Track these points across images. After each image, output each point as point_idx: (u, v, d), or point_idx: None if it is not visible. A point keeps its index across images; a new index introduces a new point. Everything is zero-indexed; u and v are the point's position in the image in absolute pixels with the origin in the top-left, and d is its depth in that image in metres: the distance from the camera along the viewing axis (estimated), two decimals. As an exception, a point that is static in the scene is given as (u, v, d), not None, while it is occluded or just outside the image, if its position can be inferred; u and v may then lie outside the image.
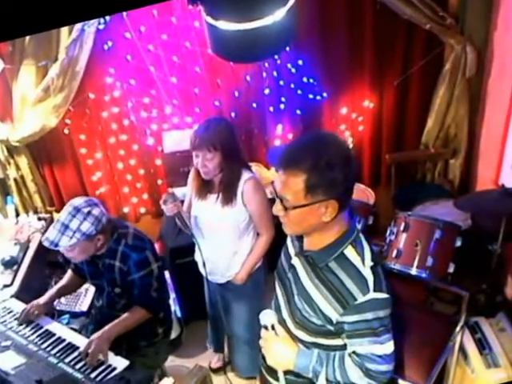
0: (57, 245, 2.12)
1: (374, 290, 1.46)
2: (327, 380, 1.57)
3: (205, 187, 2.49)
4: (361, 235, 1.56)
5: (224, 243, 2.53)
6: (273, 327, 1.66)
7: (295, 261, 1.65)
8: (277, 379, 1.73)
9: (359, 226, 1.60)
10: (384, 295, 1.48)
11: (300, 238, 1.64)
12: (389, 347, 1.53)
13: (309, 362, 1.58)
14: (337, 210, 1.44)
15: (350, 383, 1.57)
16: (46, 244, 2.14)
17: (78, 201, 2.19)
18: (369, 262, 1.50)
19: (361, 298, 1.45)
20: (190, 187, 2.61)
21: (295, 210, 1.45)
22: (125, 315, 2.33)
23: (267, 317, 1.67)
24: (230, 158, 2.35)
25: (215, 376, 3.12)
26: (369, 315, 1.46)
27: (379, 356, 1.51)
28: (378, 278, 1.49)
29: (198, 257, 2.67)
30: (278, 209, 1.50)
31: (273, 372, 1.75)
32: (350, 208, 1.54)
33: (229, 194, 2.40)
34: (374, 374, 1.53)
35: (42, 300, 2.47)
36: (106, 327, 2.26)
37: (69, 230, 2.10)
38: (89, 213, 2.15)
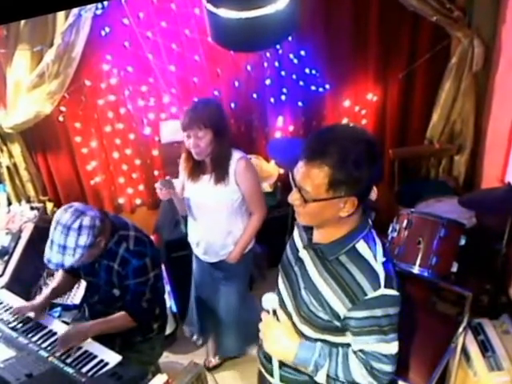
0: (63, 265, 2.09)
1: (385, 286, 1.42)
2: (327, 376, 1.53)
3: (197, 169, 2.54)
4: (373, 230, 1.53)
5: (218, 222, 2.58)
6: (274, 312, 1.61)
7: (303, 253, 1.61)
8: (271, 372, 1.69)
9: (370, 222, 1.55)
10: (394, 292, 1.44)
11: (309, 231, 1.60)
12: (394, 347, 1.49)
13: (311, 354, 1.53)
14: (355, 207, 1.42)
15: (350, 382, 1.52)
16: (51, 267, 2.12)
17: (65, 216, 2.08)
18: (381, 258, 1.47)
19: (371, 294, 1.41)
20: (182, 170, 2.66)
21: (314, 202, 1.41)
22: (110, 318, 2.31)
23: (269, 300, 1.61)
24: (220, 136, 2.40)
25: (211, 375, 3.08)
26: (378, 312, 1.42)
27: (385, 355, 1.47)
28: (389, 274, 1.45)
29: (191, 238, 2.74)
30: (294, 198, 1.45)
31: (268, 362, 1.72)
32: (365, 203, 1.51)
33: (221, 172, 2.46)
34: (378, 374, 1.49)
35: (36, 302, 2.42)
36: (88, 323, 2.27)
37: (68, 249, 2.06)
38: (80, 227, 2.06)
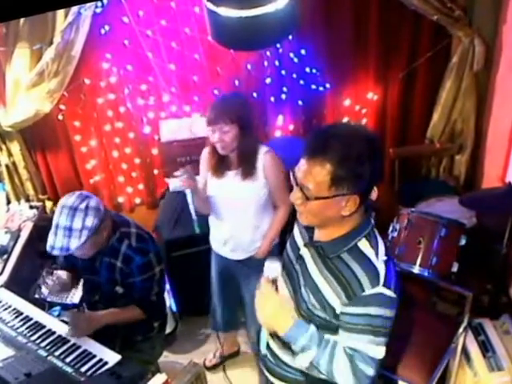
0: (68, 249, 2.02)
1: (384, 285, 1.42)
2: (310, 362, 1.51)
3: (222, 165, 2.50)
4: (375, 230, 1.53)
5: (247, 218, 2.55)
6: (274, 281, 1.58)
7: (304, 251, 1.60)
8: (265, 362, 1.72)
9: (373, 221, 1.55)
10: (392, 293, 1.44)
11: (310, 228, 1.59)
12: (381, 352, 1.47)
13: (301, 335, 1.51)
14: (357, 205, 1.42)
15: (329, 374, 1.50)
16: (55, 253, 2.04)
17: (70, 200, 2.06)
18: (382, 256, 1.46)
19: (369, 290, 1.41)
20: (204, 167, 2.61)
21: (316, 200, 1.41)
22: (121, 309, 2.31)
23: (271, 268, 1.59)
24: (246, 131, 2.37)
25: (211, 374, 3.08)
26: (373, 310, 1.42)
27: (371, 358, 1.46)
28: (390, 273, 1.45)
29: (216, 237, 2.69)
30: (296, 197, 1.45)
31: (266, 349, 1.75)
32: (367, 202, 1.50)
33: (249, 167, 2.43)
34: (360, 375, 1.47)
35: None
36: (100, 312, 2.27)
37: (74, 230, 2.00)
38: (87, 207, 2.04)
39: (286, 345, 1.63)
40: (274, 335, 1.69)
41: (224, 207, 2.56)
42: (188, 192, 2.44)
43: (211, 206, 2.58)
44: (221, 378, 3.09)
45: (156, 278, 2.28)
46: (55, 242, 2.02)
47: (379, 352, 1.46)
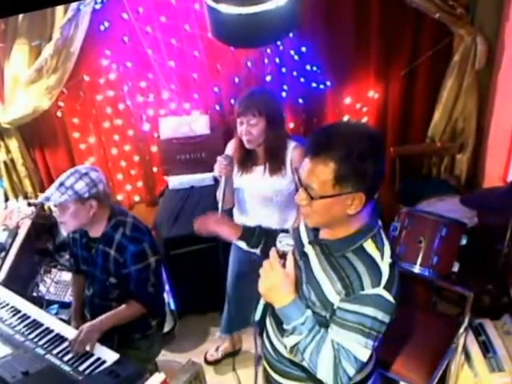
0: (48, 198, 2.14)
1: (384, 288, 1.40)
2: (296, 345, 1.47)
3: (249, 159, 2.48)
4: (382, 232, 1.51)
5: (275, 212, 2.54)
6: (283, 256, 1.53)
7: (308, 249, 1.59)
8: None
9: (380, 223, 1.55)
10: (390, 298, 1.42)
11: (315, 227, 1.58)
12: (365, 354, 1.44)
13: (295, 316, 1.46)
14: (363, 204, 1.40)
15: (312, 364, 1.47)
16: (42, 200, 2.22)
17: (81, 166, 2.25)
18: (387, 259, 1.44)
19: (368, 290, 1.40)
20: None
21: (321, 200, 1.40)
22: (120, 308, 2.29)
23: (283, 243, 1.54)
24: (274, 125, 2.36)
25: (212, 370, 3.06)
26: (368, 310, 1.40)
27: (355, 358, 1.43)
28: (393, 277, 1.43)
29: None
30: (301, 198, 1.44)
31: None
32: (374, 202, 1.49)
33: (277, 163, 2.42)
34: (341, 372, 1.43)
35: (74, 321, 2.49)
36: (99, 318, 2.22)
37: (63, 186, 2.12)
38: (86, 174, 2.15)
39: None
40: (275, 331, 1.68)
41: (251, 202, 2.55)
42: (222, 180, 2.41)
43: (237, 199, 2.58)
44: (220, 378, 3.07)
45: (152, 267, 2.27)
46: (47, 191, 2.16)
47: (364, 354, 1.44)
